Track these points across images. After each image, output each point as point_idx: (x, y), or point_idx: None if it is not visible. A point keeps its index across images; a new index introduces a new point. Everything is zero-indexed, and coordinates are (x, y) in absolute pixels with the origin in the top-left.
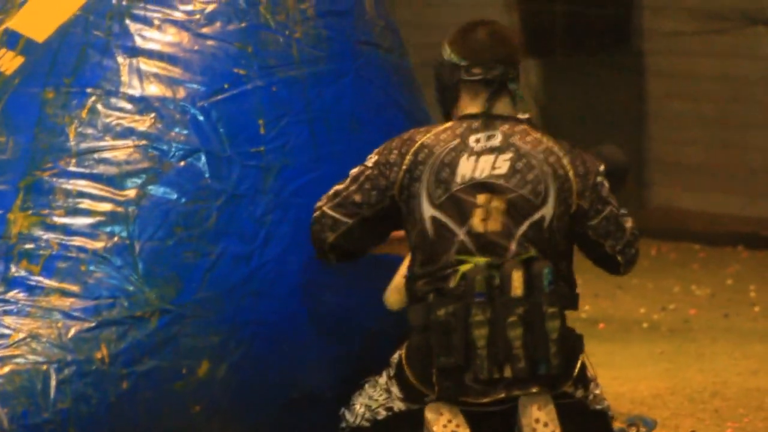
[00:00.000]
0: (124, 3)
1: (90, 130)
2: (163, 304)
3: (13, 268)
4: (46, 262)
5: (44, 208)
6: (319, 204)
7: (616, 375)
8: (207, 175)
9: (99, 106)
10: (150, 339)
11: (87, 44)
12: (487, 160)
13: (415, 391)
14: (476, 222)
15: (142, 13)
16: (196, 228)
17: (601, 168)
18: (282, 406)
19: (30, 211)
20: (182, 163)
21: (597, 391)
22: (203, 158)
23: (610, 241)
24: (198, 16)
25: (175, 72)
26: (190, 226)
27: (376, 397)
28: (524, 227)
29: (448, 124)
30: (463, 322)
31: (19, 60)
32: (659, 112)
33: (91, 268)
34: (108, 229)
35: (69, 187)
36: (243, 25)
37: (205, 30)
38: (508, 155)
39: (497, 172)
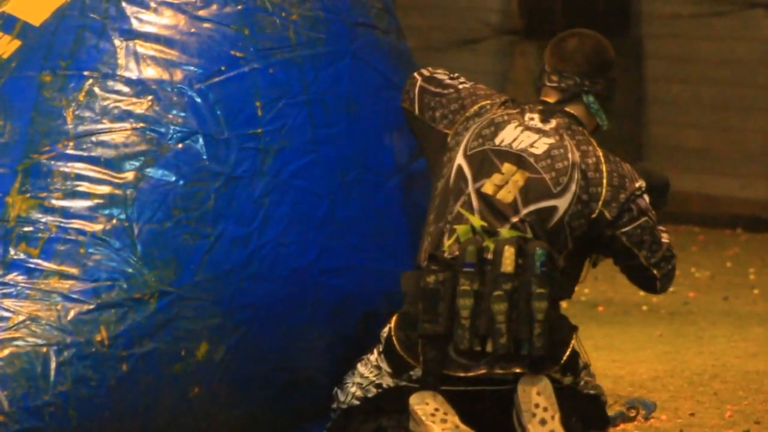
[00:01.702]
0: None
1: (87, 113)
2: (161, 286)
3: (11, 251)
4: (45, 245)
5: (42, 191)
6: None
7: (616, 358)
8: (205, 157)
9: (96, 89)
10: (149, 321)
11: (83, 27)
12: (529, 137)
13: (402, 362)
14: (489, 184)
15: None
16: (194, 210)
17: (639, 184)
18: (279, 387)
19: (28, 194)
20: (180, 146)
21: (588, 378)
22: (201, 140)
23: (645, 251)
24: None
25: (172, 54)
26: (189, 208)
27: (367, 374)
28: (531, 209)
29: (523, 100)
30: (450, 291)
31: (16, 44)
32: (658, 96)
33: (90, 250)
34: (106, 211)
35: (67, 169)
36: (239, 7)
37: (201, 12)
38: (550, 140)
39: (533, 150)
